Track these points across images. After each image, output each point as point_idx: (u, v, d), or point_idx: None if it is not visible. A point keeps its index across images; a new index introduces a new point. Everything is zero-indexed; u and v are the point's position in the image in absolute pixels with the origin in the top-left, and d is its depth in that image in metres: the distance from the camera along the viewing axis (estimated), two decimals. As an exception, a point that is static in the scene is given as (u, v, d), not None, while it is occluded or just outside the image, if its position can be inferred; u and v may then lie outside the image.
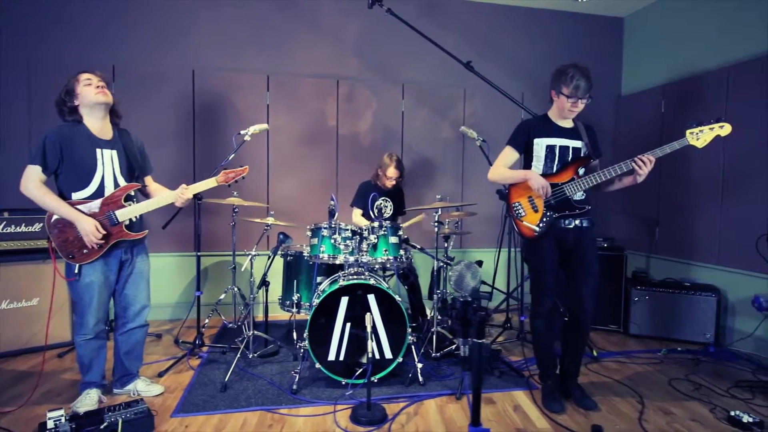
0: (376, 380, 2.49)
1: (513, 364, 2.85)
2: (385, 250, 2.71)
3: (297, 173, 3.95)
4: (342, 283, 2.51)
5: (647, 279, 3.63)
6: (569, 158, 2.32)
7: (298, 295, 3.05)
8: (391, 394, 2.45)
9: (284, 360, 2.90)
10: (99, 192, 2.14)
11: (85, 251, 2.12)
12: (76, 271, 2.12)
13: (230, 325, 3.41)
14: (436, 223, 3.05)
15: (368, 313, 2.40)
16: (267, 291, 3.14)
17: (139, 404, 2.08)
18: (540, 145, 2.34)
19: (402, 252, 2.79)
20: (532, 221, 2.32)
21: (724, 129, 2.11)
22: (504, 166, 2.41)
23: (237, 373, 2.65)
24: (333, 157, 4.02)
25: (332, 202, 2.72)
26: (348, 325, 2.49)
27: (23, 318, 2.93)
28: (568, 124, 2.37)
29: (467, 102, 4.24)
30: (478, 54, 3.94)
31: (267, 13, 3.90)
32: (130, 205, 2.20)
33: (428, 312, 3.28)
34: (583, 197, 2.33)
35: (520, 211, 2.37)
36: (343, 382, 2.48)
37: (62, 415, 1.89)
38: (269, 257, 2.99)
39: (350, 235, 2.74)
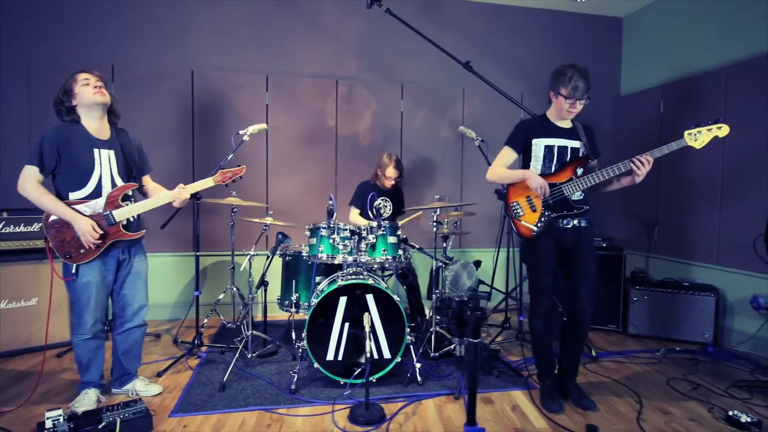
0: (374, 380, 2.49)
1: (512, 363, 2.85)
2: (384, 250, 2.71)
3: (296, 173, 3.95)
4: (340, 282, 2.51)
5: (646, 279, 3.63)
6: (567, 158, 2.33)
7: (297, 295, 3.05)
8: (390, 393, 2.45)
9: (283, 360, 2.90)
10: (96, 192, 2.14)
11: (82, 251, 2.12)
12: (74, 271, 2.13)
13: (229, 325, 3.41)
14: (434, 223, 3.05)
15: (366, 313, 2.40)
16: (266, 291, 3.14)
17: (137, 404, 2.08)
18: (538, 145, 2.34)
19: (400, 252, 2.79)
20: (530, 221, 2.32)
21: (722, 130, 2.11)
22: (502, 166, 2.41)
23: (235, 373, 2.65)
24: (332, 157, 4.02)
25: (330, 202, 2.72)
26: (346, 325, 2.49)
27: (22, 318, 2.93)
28: (566, 124, 2.37)
29: (466, 102, 4.24)
30: (477, 54, 3.93)
31: (266, 13, 3.90)
32: (127, 204, 2.20)
33: (427, 312, 3.28)
34: (582, 197, 2.33)
35: (518, 210, 2.37)
36: (342, 382, 2.48)
37: (60, 415, 1.89)
38: (268, 257, 2.99)
39: (349, 235, 2.74)
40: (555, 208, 2.29)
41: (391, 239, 2.75)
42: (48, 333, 2.51)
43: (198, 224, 3.00)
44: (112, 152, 2.20)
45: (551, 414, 2.27)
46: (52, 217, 2.11)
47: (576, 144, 2.34)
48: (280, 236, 2.93)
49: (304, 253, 3.01)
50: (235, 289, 3.29)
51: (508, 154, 2.42)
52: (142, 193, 2.40)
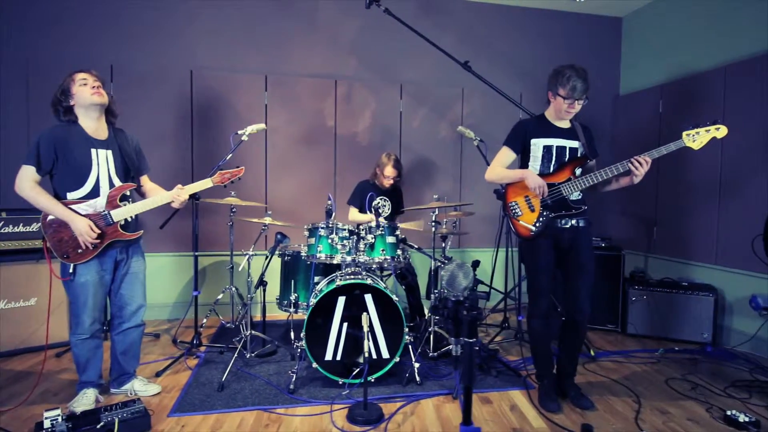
0: (373, 380, 2.49)
1: (510, 363, 2.86)
2: (383, 250, 2.71)
3: (295, 173, 3.95)
4: (339, 282, 2.51)
5: (645, 279, 3.63)
6: (566, 158, 2.33)
7: (296, 294, 3.05)
8: (388, 393, 2.45)
9: (282, 360, 2.91)
10: (94, 192, 2.14)
11: (79, 251, 2.12)
12: (71, 270, 2.13)
13: (228, 325, 3.41)
14: (433, 223, 3.05)
15: (365, 313, 2.40)
16: (264, 291, 3.14)
17: (135, 404, 2.08)
18: (537, 145, 2.34)
19: (399, 252, 2.79)
20: (528, 221, 2.32)
21: (720, 131, 2.11)
22: (501, 166, 2.41)
23: (234, 373, 2.65)
24: (331, 157, 4.02)
25: (329, 202, 2.72)
26: (345, 324, 2.49)
27: (21, 318, 2.94)
28: (565, 124, 2.37)
29: (465, 102, 4.24)
30: (476, 54, 3.94)
31: (265, 13, 3.90)
32: (125, 205, 2.20)
33: (426, 312, 3.28)
34: (580, 197, 2.33)
35: (516, 210, 2.37)
36: (340, 382, 2.48)
37: (59, 415, 1.89)
38: (267, 257, 2.99)
39: (347, 234, 2.75)
40: (553, 208, 2.29)
41: (390, 239, 2.75)
42: (48, 333, 2.50)
43: (197, 224, 3.00)
44: (109, 152, 2.20)
45: (549, 414, 2.27)
46: (50, 217, 2.11)
47: (574, 144, 2.34)
48: (278, 236, 2.93)
49: (302, 253, 3.01)
50: (234, 289, 3.29)
51: (506, 154, 2.42)
52: (140, 194, 2.40)
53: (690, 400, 2.45)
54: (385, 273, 3.32)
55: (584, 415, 2.27)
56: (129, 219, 2.24)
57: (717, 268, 3.44)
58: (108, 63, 3.57)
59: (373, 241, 2.71)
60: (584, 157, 2.34)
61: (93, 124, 2.18)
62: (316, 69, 4.00)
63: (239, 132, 2.94)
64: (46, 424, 1.87)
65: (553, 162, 2.33)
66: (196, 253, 3.03)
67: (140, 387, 2.41)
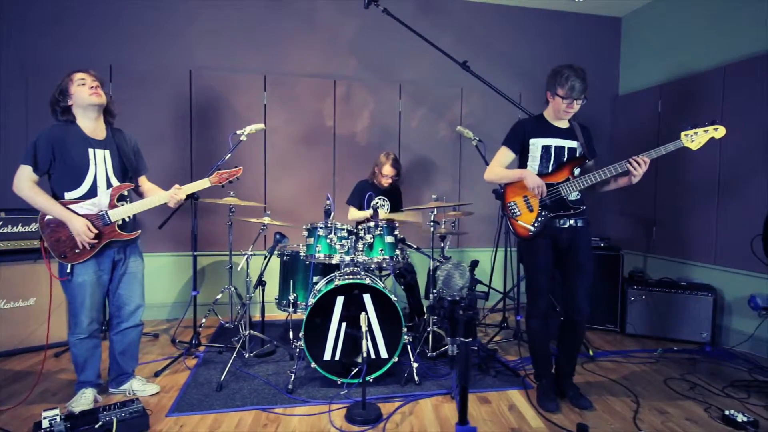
0: (371, 380, 2.49)
1: (509, 363, 2.86)
2: (381, 250, 2.71)
3: (294, 173, 3.95)
4: (338, 282, 2.51)
5: (644, 279, 3.63)
6: (565, 158, 2.33)
7: (295, 294, 3.05)
8: (387, 393, 2.45)
9: (280, 360, 2.91)
10: (91, 192, 2.14)
11: (77, 251, 2.12)
12: (69, 270, 2.13)
13: (227, 324, 3.41)
14: (431, 223, 3.05)
15: (363, 313, 2.39)
16: (263, 291, 3.14)
17: (134, 404, 2.08)
18: (536, 145, 2.34)
19: (398, 252, 2.79)
20: (527, 221, 2.33)
21: (719, 131, 2.11)
22: (500, 166, 2.41)
23: (233, 373, 2.65)
24: (330, 157, 4.02)
25: (328, 202, 2.72)
26: (344, 324, 2.49)
27: (20, 318, 2.94)
28: (563, 124, 2.37)
29: (464, 102, 4.24)
30: (475, 54, 3.94)
31: (264, 13, 3.90)
32: (123, 204, 2.20)
33: (425, 312, 3.28)
34: (578, 197, 2.33)
35: (515, 210, 2.37)
36: (339, 382, 2.48)
37: (57, 415, 1.90)
38: (266, 257, 2.99)
39: (346, 234, 2.75)
40: (552, 208, 2.29)
41: (389, 239, 2.75)
42: (48, 332, 2.50)
43: (196, 224, 3.01)
44: (107, 152, 2.20)
45: (548, 413, 2.27)
46: (48, 217, 2.11)
47: (573, 144, 2.34)
48: (277, 236, 2.93)
49: (301, 253, 3.01)
50: (232, 289, 3.29)
51: (505, 154, 2.42)
52: (138, 194, 2.40)
53: (688, 400, 2.45)
54: (384, 273, 3.32)
55: (583, 415, 2.27)
56: (127, 219, 2.24)
57: (716, 268, 3.44)
58: (107, 63, 3.57)
59: (371, 240, 2.71)
60: (583, 157, 2.33)
61: (91, 124, 2.18)
62: (315, 69, 4.00)
63: (238, 132, 2.94)
64: (45, 423, 1.87)
65: (551, 162, 2.33)
66: (195, 253, 3.03)
67: (139, 387, 2.41)
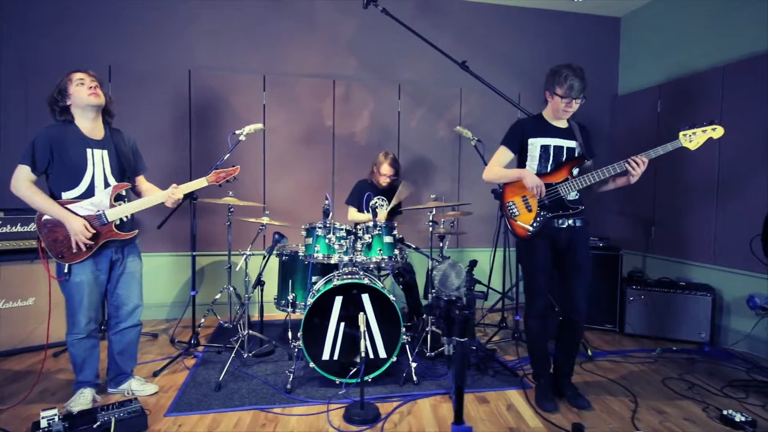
0: (369, 379, 2.49)
1: (507, 363, 2.86)
2: (380, 250, 2.71)
3: (293, 173, 3.95)
4: (336, 282, 2.51)
5: (643, 278, 3.63)
6: (563, 158, 2.33)
7: (294, 294, 3.05)
8: (385, 393, 2.46)
9: (279, 359, 2.91)
10: (89, 191, 2.14)
11: (74, 251, 2.12)
12: (66, 270, 2.13)
13: (226, 324, 3.41)
14: (430, 223, 3.05)
15: (361, 313, 2.40)
16: (262, 291, 3.14)
17: (132, 403, 2.08)
18: (534, 145, 2.34)
19: (396, 251, 2.79)
20: (525, 221, 2.33)
21: (717, 131, 2.12)
22: (499, 166, 2.41)
23: (231, 373, 2.66)
24: (329, 157, 4.02)
25: (327, 202, 2.72)
26: (342, 324, 2.49)
27: (19, 317, 2.94)
28: (562, 124, 2.37)
29: (463, 102, 4.24)
30: (475, 54, 3.95)
31: (263, 13, 3.90)
32: (120, 204, 2.20)
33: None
34: (577, 197, 2.33)
35: (514, 210, 2.37)
36: (337, 382, 2.48)
37: (56, 415, 1.90)
38: (264, 257, 2.99)
39: (345, 234, 2.75)
40: (550, 208, 2.29)
41: (387, 239, 2.75)
42: (48, 332, 2.50)
43: (195, 224, 3.01)
44: (105, 152, 2.20)
45: (546, 413, 2.27)
46: (45, 217, 2.11)
47: (572, 144, 2.35)
48: (276, 236, 2.94)
49: (300, 253, 3.01)
50: (231, 288, 3.29)
51: (504, 154, 2.41)
52: (136, 193, 2.40)
53: (687, 400, 2.45)
54: (383, 273, 3.32)
55: (581, 415, 2.27)
56: (124, 219, 2.24)
57: (715, 268, 3.44)
58: (106, 63, 3.57)
59: (370, 240, 2.71)
60: (581, 156, 2.34)
61: (89, 124, 2.18)
62: (314, 69, 4.00)
63: (237, 132, 2.94)
64: (43, 423, 1.87)
65: (550, 162, 2.33)
66: (194, 253, 3.03)
67: (137, 387, 2.41)
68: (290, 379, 2.48)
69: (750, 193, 3.18)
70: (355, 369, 2.46)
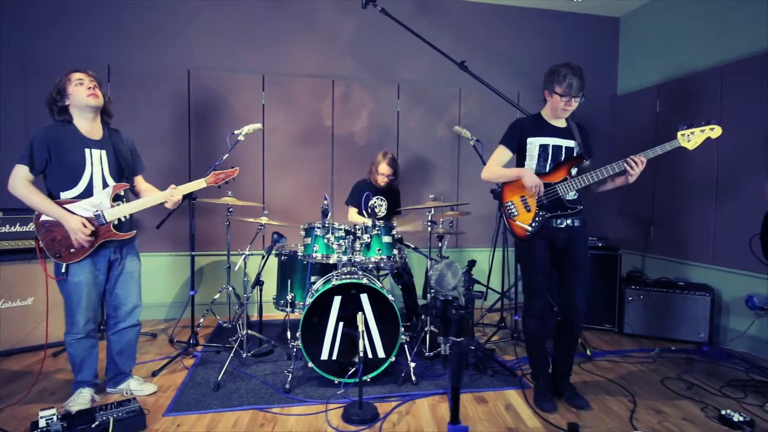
0: (368, 379, 2.49)
1: (506, 363, 2.86)
2: (378, 250, 2.71)
3: (292, 173, 3.95)
4: (335, 282, 2.51)
5: (642, 278, 3.63)
6: (562, 158, 2.33)
7: (293, 294, 3.05)
8: (384, 393, 2.46)
9: (278, 359, 2.91)
10: (87, 192, 2.14)
11: (72, 250, 2.12)
12: (63, 270, 2.13)
13: (225, 324, 3.41)
14: (429, 223, 3.05)
15: (360, 313, 2.40)
16: (261, 290, 3.14)
17: (131, 403, 2.08)
18: (533, 144, 2.34)
19: (395, 251, 2.80)
20: (524, 221, 2.33)
21: (715, 131, 2.12)
22: (497, 165, 2.41)
23: (230, 373, 2.66)
24: (328, 157, 4.02)
25: (325, 202, 2.72)
26: (341, 324, 2.49)
27: (18, 317, 2.94)
28: (561, 123, 2.37)
29: (462, 101, 4.24)
30: (474, 53, 3.95)
31: (263, 13, 3.91)
32: (118, 204, 2.20)
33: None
34: (576, 197, 2.33)
35: (512, 210, 2.37)
36: (336, 381, 2.48)
37: (54, 414, 1.90)
38: (263, 257, 3.00)
39: (343, 234, 2.75)
40: (549, 208, 2.29)
41: (386, 239, 2.75)
42: (47, 332, 2.50)
43: (193, 224, 3.01)
44: (103, 152, 2.20)
45: (544, 413, 2.27)
46: (43, 217, 2.11)
47: (570, 143, 2.35)
48: (275, 236, 2.94)
49: (299, 253, 3.00)
50: (230, 288, 3.29)
51: (503, 153, 2.41)
52: (135, 194, 2.40)
53: (685, 400, 2.45)
54: (382, 273, 3.32)
55: (579, 415, 2.27)
56: (123, 219, 2.24)
57: (713, 267, 3.44)
58: (105, 63, 3.58)
59: (369, 240, 2.71)
60: (580, 156, 2.34)
61: (88, 125, 2.18)
62: (313, 69, 4.00)
63: (235, 132, 2.94)
64: (42, 423, 1.87)
65: (549, 161, 2.33)
66: (193, 253, 3.03)
67: (136, 386, 2.41)
68: (289, 378, 2.48)
69: (749, 193, 3.18)
70: (354, 369, 2.46)
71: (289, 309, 3.04)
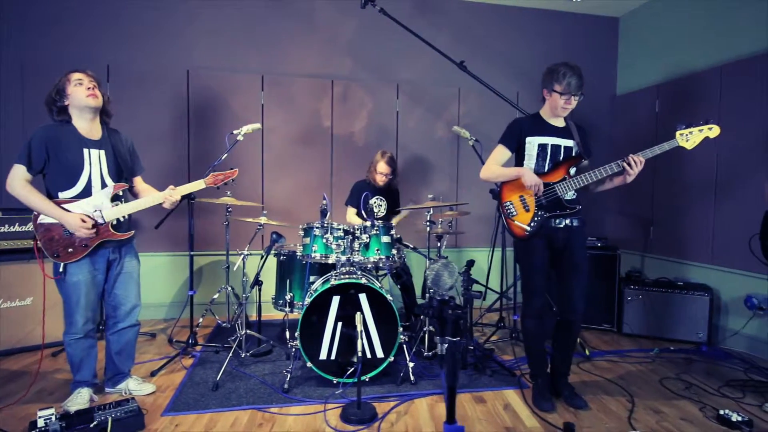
0: (367, 379, 2.50)
1: (505, 363, 2.86)
2: (377, 250, 2.71)
3: (291, 173, 3.95)
4: (334, 282, 2.51)
5: (641, 278, 3.63)
6: (561, 157, 2.33)
7: (291, 294, 3.06)
8: (383, 393, 2.46)
9: (277, 359, 2.91)
10: (86, 192, 2.14)
11: (70, 250, 2.12)
12: (61, 269, 2.13)
13: (224, 324, 3.41)
14: (427, 223, 3.05)
15: (358, 312, 2.40)
16: (260, 290, 3.14)
17: (129, 403, 2.09)
18: (532, 143, 2.34)
19: (394, 251, 2.80)
20: (523, 221, 2.33)
21: (713, 131, 2.12)
22: (496, 165, 2.41)
23: (229, 373, 2.66)
24: (327, 157, 4.02)
25: (324, 202, 2.72)
26: (339, 324, 2.49)
27: (17, 317, 2.94)
28: (560, 122, 2.37)
29: (462, 101, 4.24)
30: (473, 54, 3.95)
31: (262, 13, 3.91)
32: (117, 205, 2.20)
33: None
34: (574, 197, 2.33)
35: (511, 210, 2.37)
36: (335, 381, 2.48)
37: (53, 414, 1.90)
38: (262, 257, 3.00)
39: (342, 234, 2.75)
40: (548, 208, 2.29)
41: (385, 239, 2.75)
42: (44, 332, 2.51)
43: (192, 224, 3.01)
44: (102, 152, 2.20)
45: (543, 413, 2.27)
46: (41, 219, 2.11)
47: (569, 143, 2.35)
48: (274, 236, 2.94)
49: (298, 253, 3.01)
50: (229, 288, 3.29)
51: (501, 153, 2.41)
52: (134, 194, 2.40)
53: (684, 400, 2.45)
54: (381, 273, 3.32)
55: (577, 415, 2.27)
56: (121, 219, 2.24)
57: (712, 267, 3.44)
58: (104, 63, 3.58)
59: (367, 240, 2.72)
60: (579, 156, 2.34)
61: (86, 125, 2.18)
62: (312, 69, 4.00)
63: (234, 132, 2.95)
64: (40, 423, 1.87)
65: (547, 161, 2.33)
66: (192, 253, 3.03)
67: (135, 386, 2.41)
68: (287, 378, 2.49)
69: (748, 193, 3.18)
70: (353, 369, 2.46)
71: (287, 309, 3.05)
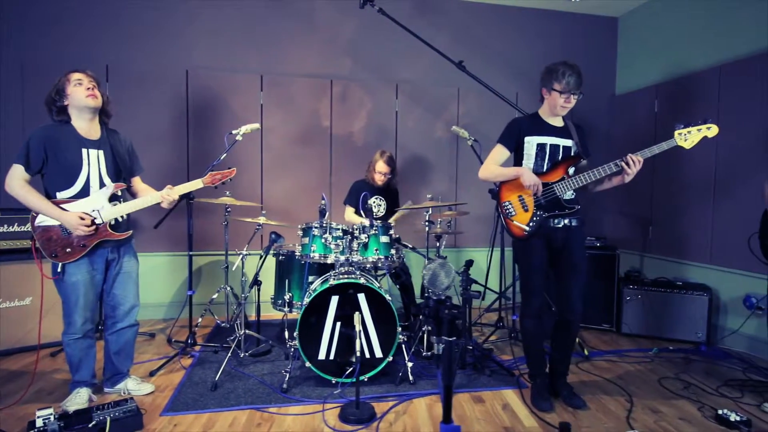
0: (366, 379, 2.50)
1: (504, 363, 2.86)
2: (376, 250, 2.72)
3: (290, 173, 3.96)
4: (332, 282, 2.52)
5: (640, 278, 3.63)
6: (559, 157, 2.33)
7: (290, 294, 3.06)
8: (381, 392, 2.46)
9: (276, 359, 2.91)
10: (84, 192, 2.14)
11: (68, 250, 2.12)
12: (59, 269, 2.13)
13: (223, 324, 3.41)
14: (426, 223, 3.05)
15: (357, 312, 2.40)
16: (259, 290, 3.15)
17: (128, 403, 2.09)
18: (531, 143, 2.34)
19: (393, 251, 2.80)
20: (522, 221, 2.33)
21: (711, 130, 2.12)
22: (495, 164, 2.41)
23: (228, 372, 2.66)
24: (327, 157, 4.02)
25: (323, 202, 2.72)
26: (338, 324, 2.49)
27: (17, 317, 2.95)
28: (558, 122, 2.37)
29: (461, 101, 4.24)
30: (472, 54, 3.96)
31: (261, 13, 3.91)
32: (115, 204, 2.21)
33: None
34: (573, 197, 2.33)
35: (510, 210, 2.37)
36: (333, 381, 2.49)
37: (51, 414, 1.90)
38: (261, 257, 3.00)
39: (341, 234, 2.75)
40: (547, 208, 2.29)
41: (384, 239, 2.75)
42: (42, 332, 2.51)
43: (191, 224, 3.01)
44: (101, 152, 2.20)
45: (541, 413, 2.27)
46: (39, 220, 2.11)
47: (568, 143, 2.35)
48: (273, 236, 2.94)
49: (297, 253, 3.01)
50: (228, 288, 3.30)
51: (500, 152, 2.41)
52: (132, 194, 2.40)
53: (682, 400, 2.45)
54: (380, 273, 3.32)
55: (576, 414, 2.27)
56: (120, 219, 2.24)
57: (711, 267, 3.44)
58: (104, 63, 3.58)
59: (366, 240, 2.72)
60: (577, 156, 2.34)
61: (86, 125, 2.18)
62: (312, 69, 4.00)
63: (233, 132, 2.95)
64: (39, 423, 1.87)
65: (546, 160, 2.33)
66: (191, 253, 3.03)
67: (133, 386, 2.41)
68: (286, 378, 2.49)
69: (747, 192, 3.18)
70: (351, 368, 2.46)
71: (286, 309, 3.05)
